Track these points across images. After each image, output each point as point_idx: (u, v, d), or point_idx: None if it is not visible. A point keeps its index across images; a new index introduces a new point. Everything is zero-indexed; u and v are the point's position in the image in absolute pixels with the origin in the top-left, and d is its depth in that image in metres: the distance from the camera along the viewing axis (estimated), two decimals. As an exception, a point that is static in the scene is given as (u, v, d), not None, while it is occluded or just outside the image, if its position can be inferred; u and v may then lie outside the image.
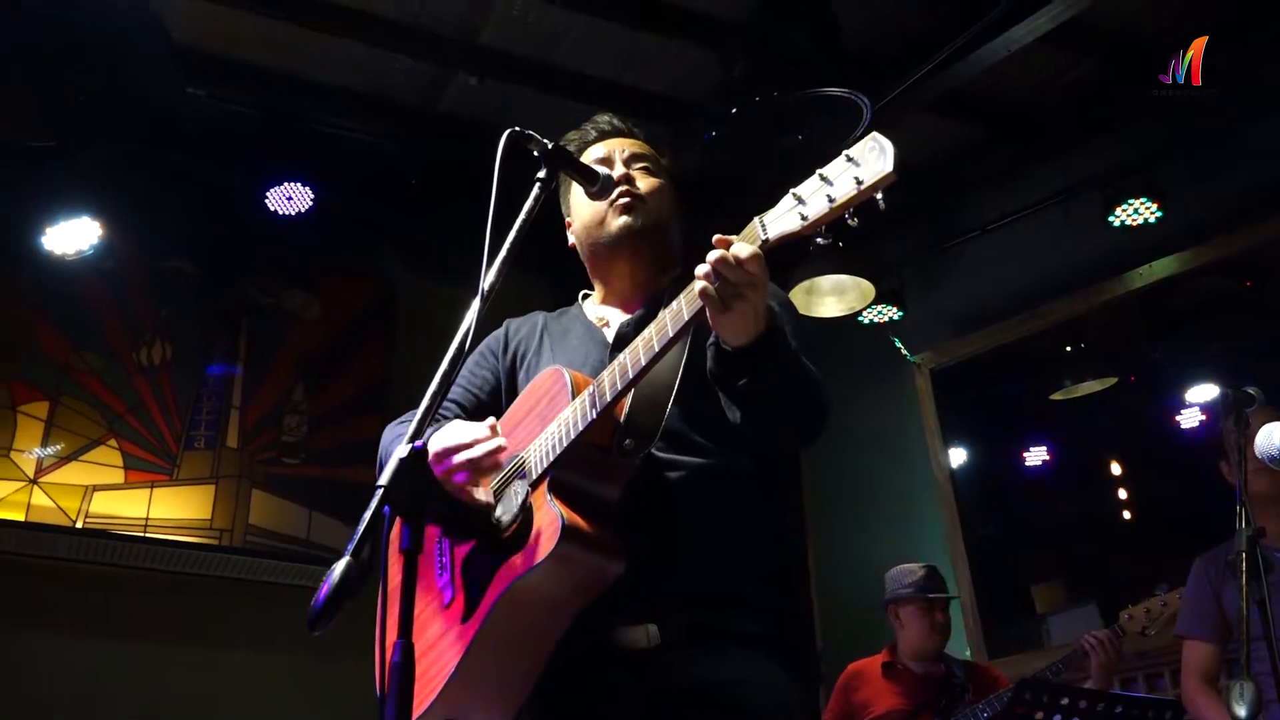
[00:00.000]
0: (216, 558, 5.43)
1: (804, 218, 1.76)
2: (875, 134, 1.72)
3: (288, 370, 5.94)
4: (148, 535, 5.33)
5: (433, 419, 1.85)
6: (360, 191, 5.95)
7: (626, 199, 2.42)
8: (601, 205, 2.43)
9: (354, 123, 5.67)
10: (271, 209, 5.44)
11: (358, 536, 1.62)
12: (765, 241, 1.81)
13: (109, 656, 5.19)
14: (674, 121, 5.65)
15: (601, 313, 2.52)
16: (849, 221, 1.74)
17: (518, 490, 2.13)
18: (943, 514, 5.92)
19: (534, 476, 2.10)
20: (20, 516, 5.13)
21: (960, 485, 6.08)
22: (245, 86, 5.41)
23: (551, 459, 2.07)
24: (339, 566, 1.57)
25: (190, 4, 4.95)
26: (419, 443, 1.71)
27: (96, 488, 5.32)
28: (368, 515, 1.64)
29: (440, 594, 2.23)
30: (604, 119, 2.62)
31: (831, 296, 5.67)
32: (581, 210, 2.50)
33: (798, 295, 5.51)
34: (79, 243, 5.10)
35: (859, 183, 1.69)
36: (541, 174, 2.13)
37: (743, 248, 1.81)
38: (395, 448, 2.09)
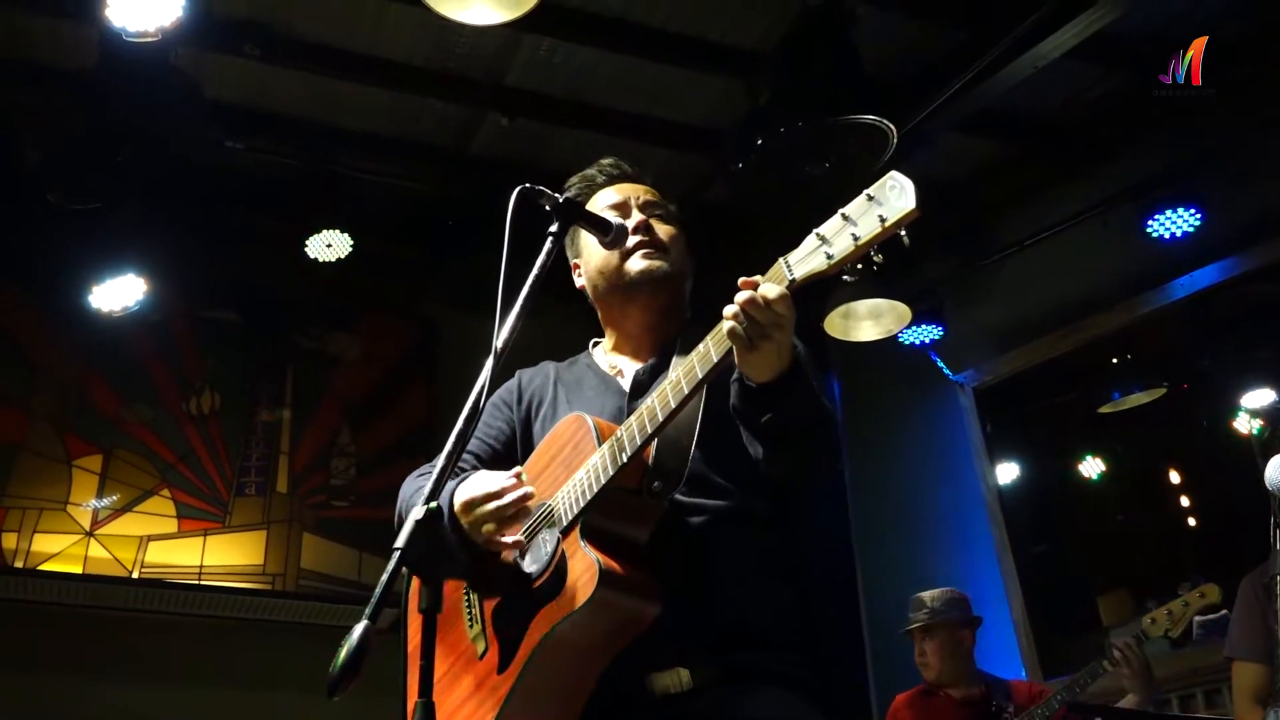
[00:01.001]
0: (270, 602, 5.68)
1: (829, 256, 1.84)
2: (894, 173, 1.80)
3: (334, 414, 6.19)
4: (202, 583, 5.58)
5: (450, 476, 1.92)
6: (398, 234, 6.24)
7: (649, 246, 2.49)
8: (616, 251, 2.48)
9: (389, 167, 5.94)
10: (311, 256, 5.70)
11: (375, 599, 1.68)
12: (792, 282, 1.89)
13: (166, 703, 5.43)
14: (705, 151, 5.87)
15: (613, 361, 2.58)
16: (874, 258, 1.86)
17: (547, 538, 2.19)
18: (993, 533, 6.03)
19: (564, 523, 2.15)
20: (78, 569, 5.39)
21: (1010, 503, 6.19)
22: (281, 138, 5.69)
23: (583, 504, 2.12)
24: (356, 631, 1.62)
25: (225, 61, 5.24)
26: (435, 502, 1.79)
27: (151, 538, 5.59)
28: (385, 577, 1.70)
29: (472, 646, 2.28)
30: (608, 163, 2.69)
31: (868, 320, 5.82)
32: (593, 255, 2.54)
33: (834, 320, 5.65)
34: (125, 299, 5.35)
35: (882, 220, 1.77)
36: (553, 228, 2.22)
37: (770, 288, 1.89)
38: (414, 503, 2.28)
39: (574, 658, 2.09)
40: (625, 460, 2.09)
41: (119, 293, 5.38)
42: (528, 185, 2.19)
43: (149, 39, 4.39)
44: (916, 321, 6.15)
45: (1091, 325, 5.95)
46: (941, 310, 6.27)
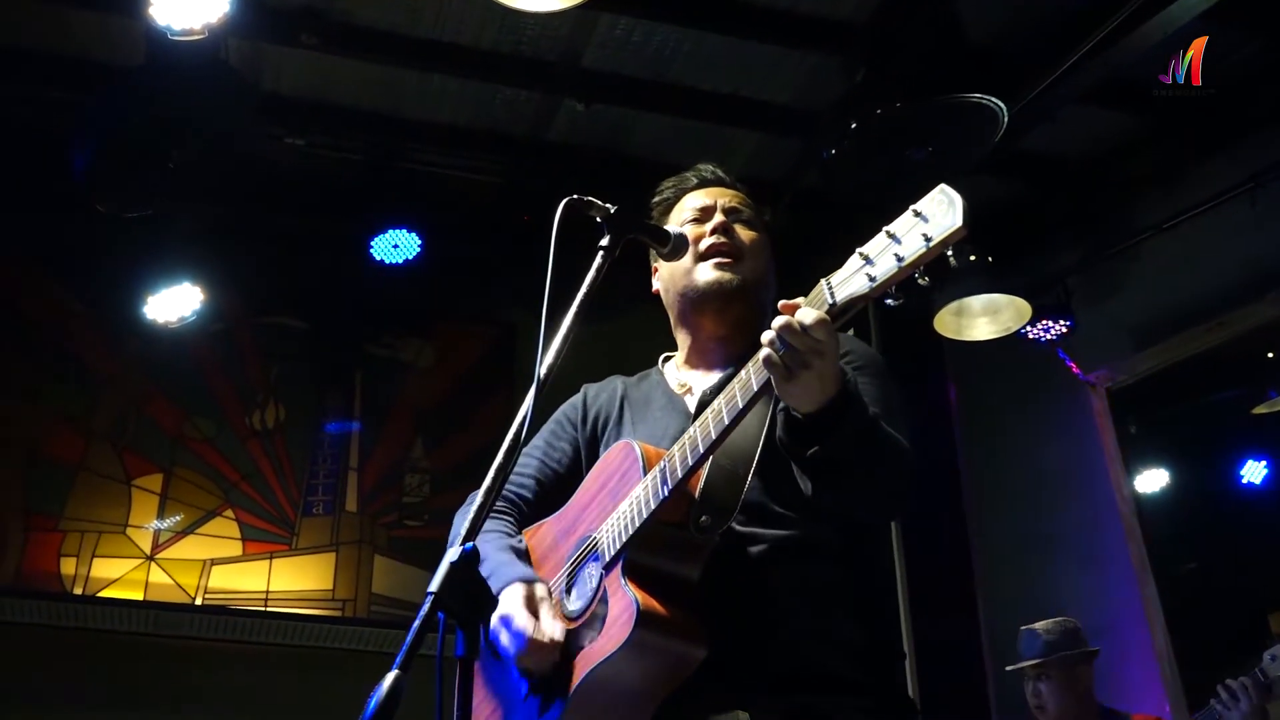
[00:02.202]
0: (340, 630, 5.62)
1: (872, 279, 1.77)
2: (943, 186, 1.72)
3: (406, 425, 6.11)
4: (268, 609, 5.54)
5: (489, 515, 1.89)
6: (471, 232, 6.11)
7: (722, 254, 2.46)
8: (689, 255, 2.45)
9: (459, 160, 5.83)
10: (378, 258, 5.59)
11: (406, 647, 1.64)
12: (832, 306, 1.83)
13: (233, 737, 5.39)
14: (799, 134, 5.64)
15: (684, 378, 2.55)
16: (919, 281, 1.77)
17: (592, 573, 2.18)
18: (1130, 550, 5.72)
19: (607, 559, 2.13)
20: (139, 595, 5.39)
21: (1152, 516, 5.87)
22: (343, 132, 5.62)
23: (624, 540, 2.10)
24: (386, 681, 1.58)
25: (282, 53, 5.18)
26: (471, 543, 1.74)
27: (214, 561, 5.56)
28: (416, 623, 1.66)
29: (516, 687, 2.26)
30: (707, 168, 2.67)
31: (984, 317, 5.55)
32: (665, 261, 2.52)
33: (945, 318, 5.41)
34: (181, 309, 5.31)
35: (927, 240, 1.70)
36: (604, 242, 2.16)
37: (808, 313, 1.83)
38: (497, 541, 2.31)
39: (616, 700, 2.06)
40: (667, 494, 2.06)
41: (175, 302, 5.35)
42: (575, 197, 2.16)
43: (195, 36, 4.33)
44: (1042, 316, 5.89)
45: (1241, 317, 5.58)
46: (1070, 303, 5.98)
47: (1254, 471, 6.08)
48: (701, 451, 2.03)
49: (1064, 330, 5.98)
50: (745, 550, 2.17)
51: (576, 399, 2.67)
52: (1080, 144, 5.85)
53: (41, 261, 5.78)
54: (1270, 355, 5.84)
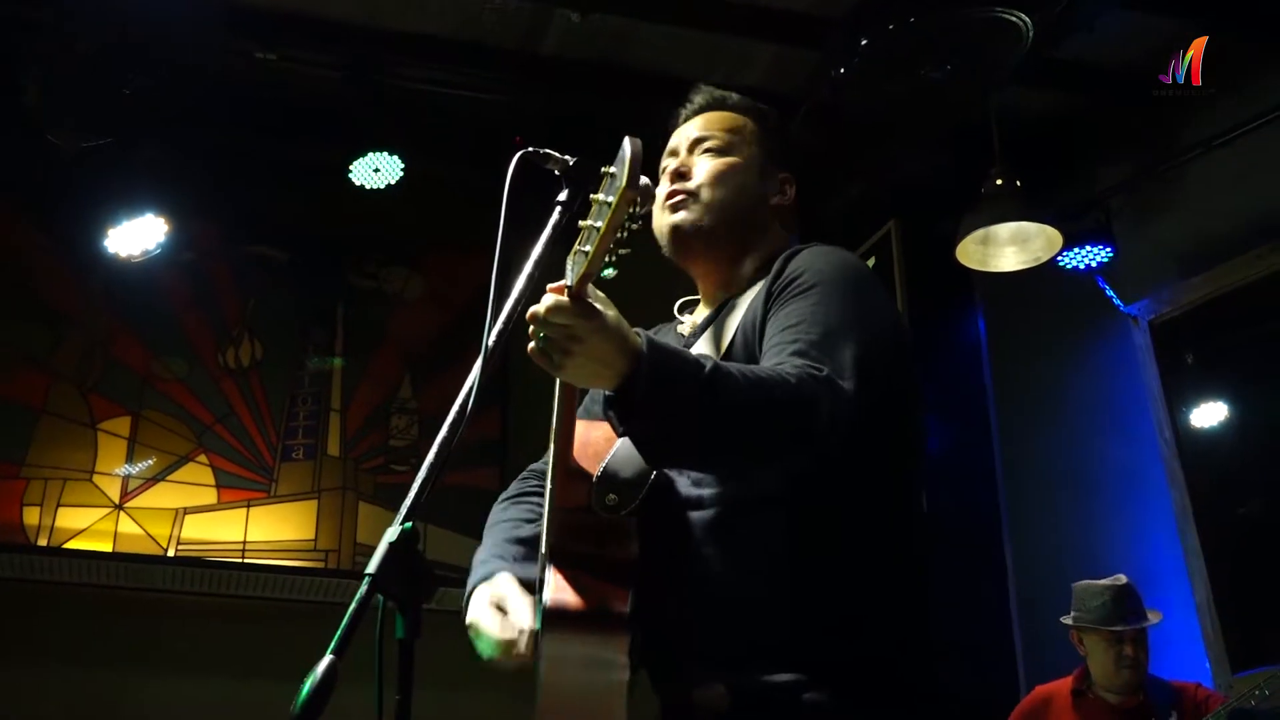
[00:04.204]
0: (323, 582, 5.63)
1: (585, 254, 1.79)
2: (626, 139, 1.72)
3: (393, 363, 6.07)
4: (246, 560, 5.54)
5: (430, 493, 1.88)
6: (460, 154, 6.01)
7: (673, 196, 2.44)
8: (657, 206, 2.47)
9: (444, 75, 5.72)
10: (357, 183, 5.52)
11: (341, 631, 1.64)
12: (570, 287, 1.83)
13: (205, 694, 5.43)
14: (818, 45, 5.50)
15: (695, 320, 2.53)
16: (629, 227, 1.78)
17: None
18: (1173, 496, 5.65)
19: (543, 547, 2.14)
20: (108, 546, 5.39)
21: (1204, 457, 5.80)
22: (319, 46, 5.49)
23: (545, 526, 2.13)
24: (321, 666, 1.59)
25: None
26: (410, 523, 1.77)
27: (188, 510, 5.56)
28: (353, 606, 1.67)
29: None
30: (695, 97, 2.61)
31: (1011, 247, 5.42)
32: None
33: (968, 247, 5.29)
34: (145, 242, 5.26)
35: (608, 206, 1.72)
36: (562, 196, 2.11)
37: (547, 299, 1.84)
38: (496, 534, 2.37)
39: (577, 690, 2.00)
40: (553, 480, 2.10)
41: (139, 235, 5.29)
42: (531, 149, 2.10)
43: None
44: (1081, 242, 5.78)
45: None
46: (1111, 228, 5.88)
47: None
48: (553, 428, 2.08)
49: (1104, 257, 5.87)
50: (689, 515, 2.16)
51: None
52: (1123, 50, 5.67)
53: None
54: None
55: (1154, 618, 4.75)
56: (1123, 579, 4.80)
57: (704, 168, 2.46)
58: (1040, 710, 4.81)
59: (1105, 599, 4.71)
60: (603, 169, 1.79)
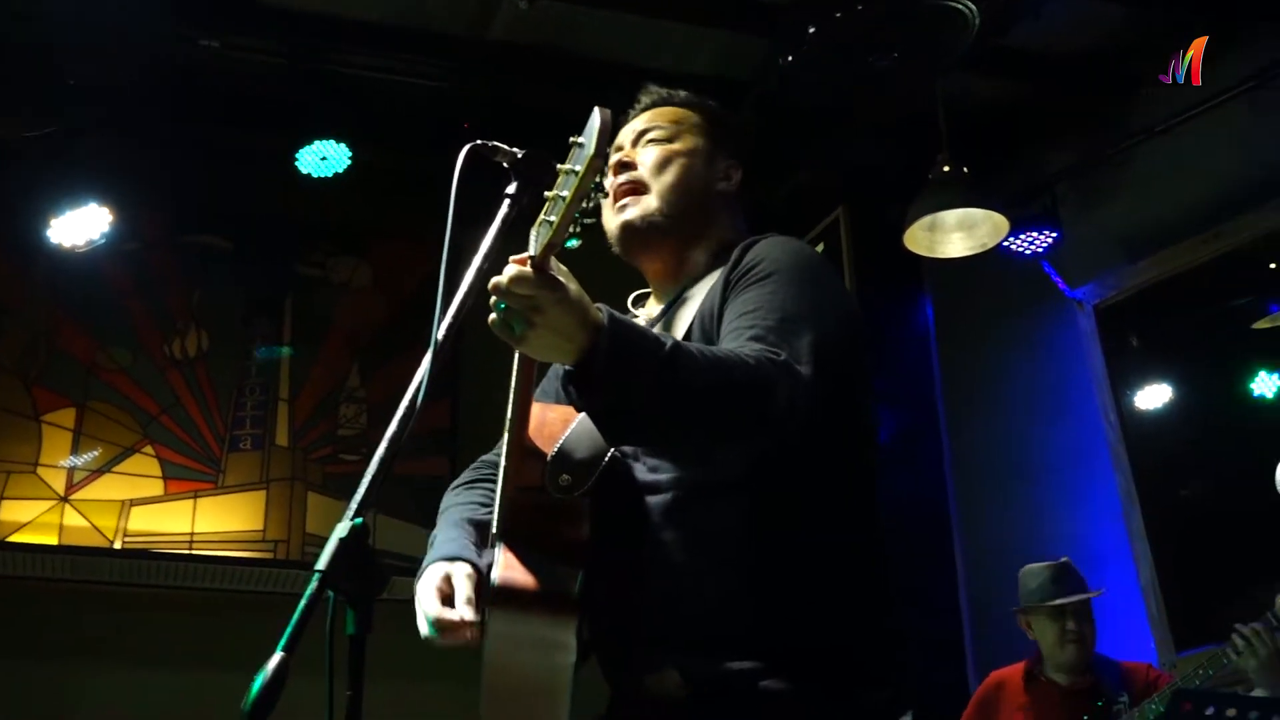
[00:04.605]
0: (272, 573, 5.63)
1: (549, 223, 1.78)
2: (596, 109, 1.73)
3: (340, 352, 6.07)
4: (194, 552, 5.53)
5: (380, 490, 1.85)
6: (408, 141, 6.01)
7: (620, 194, 2.45)
8: (607, 208, 2.48)
9: (390, 62, 5.72)
10: (304, 172, 5.52)
11: (291, 628, 1.63)
12: (533, 258, 1.81)
13: (153, 687, 5.42)
14: (769, 32, 5.54)
15: (649, 314, 2.53)
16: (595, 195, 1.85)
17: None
18: (1118, 479, 5.75)
19: (494, 528, 2.14)
20: (53, 539, 5.37)
21: (1148, 439, 5.89)
22: (265, 32, 5.48)
23: (495, 508, 2.12)
24: (271, 664, 1.58)
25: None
26: (360, 518, 1.74)
27: (134, 502, 5.54)
28: (303, 602, 1.66)
29: None
30: (644, 98, 2.62)
31: (958, 233, 5.49)
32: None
33: (916, 234, 5.35)
34: (88, 232, 5.25)
35: (575, 175, 1.73)
36: (511, 189, 2.09)
37: (510, 269, 1.83)
38: (452, 516, 2.34)
39: (522, 672, 2.03)
40: (508, 459, 2.09)
41: (82, 225, 5.27)
42: (479, 142, 2.08)
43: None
44: (1026, 227, 5.85)
45: (1240, 227, 5.57)
46: (1057, 213, 5.94)
47: (1265, 384, 6.08)
48: (509, 414, 2.06)
49: (1050, 241, 5.94)
50: (645, 500, 2.17)
51: None
52: (1070, 38, 5.74)
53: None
54: (1273, 266, 5.82)
55: (1095, 592, 4.81)
56: (1063, 559, 4.86)
57: (649, 155, 2.48)
58: (994, 695, 4.85)
59: (1044, 578, 4.78)
60: (571, 139, 1.79)
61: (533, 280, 1.81)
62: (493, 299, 1.86)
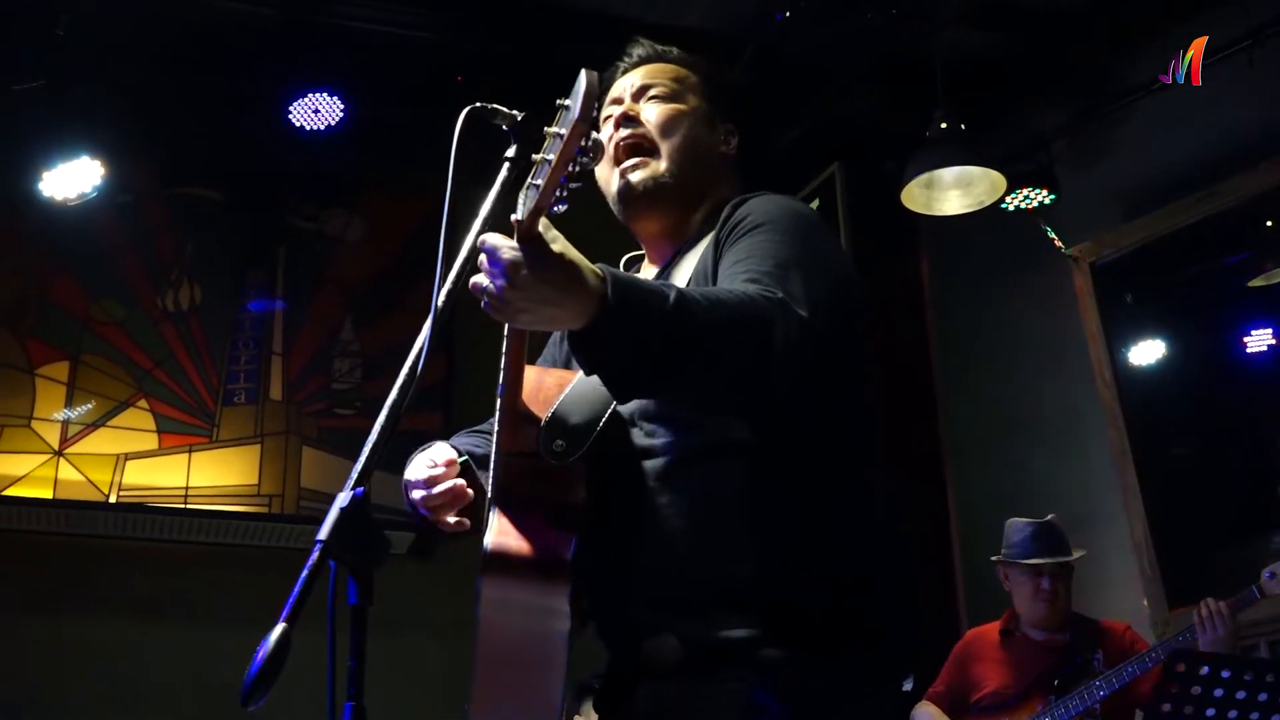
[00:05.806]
0: (267, 527, 5.69)
1: (536, 187, 1.76)
2: (583, 71, 1.71)
3: (334, 305, 6.11)
4: (189, 506, 5.60)
5: (379, 460, 1.87)
6: (401, 94, 6.03)
7: (629, 149, 2.43)
8: (606, 163, 2.45)
9: (384, 14, 5.71)
10: (296, 124, 5.55)
11: (293, 599, 1.66)
12: (520, 224, 1.78)
13: (152, 642, 5.50)
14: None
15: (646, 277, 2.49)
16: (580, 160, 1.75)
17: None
18: (1110, 436, 5.82)
19: (488, 491, 2.17)
20: (48, 493, 5.42)
21: (1143, 395, 5.96)
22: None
23: (491, 473, 2.15)
24: (274, 635, 1.62)
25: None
26: (362, 488, 1.78)
27: (129, 456, 5.60)
28: (305, 573, 1.69)
29: None
30: (632, 50, 2.59)
31: (955, 191, 5.54)
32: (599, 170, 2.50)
33: (913, 191, 5.41)
34: (80, 185, 5.28)
35: (560, 139, 1.71)
36: (510, 153, 2.11)
37: (492, 236, 1.80)
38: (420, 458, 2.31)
39: (516, 638, 2.05)
40: (501, 424, 2.12)
41: (74, 178, 5.30)
42: (478, 105, 2.10)
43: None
44: (1023, 184, 5.88)
45: (1236, 186, 5.59)
46: (1053, 171, 5.97)
47: (1259, 340, 6.14)
48: (502, 382, 2.10)
49: (1046, 200, 5.98)
50: (648, 463, 2.16)
51: None
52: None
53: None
54: (1270, 224, 5.87)
55: (1076, 554, 4.87)
56: (1050, 516, 4.92)
57: (654, 112, 2.46)
58: (971, 651, 4.94)
59: (1026, 534, 4.85)
60: (557, 101, 1.76)
61: (519, 252, 1.77)
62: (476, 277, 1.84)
